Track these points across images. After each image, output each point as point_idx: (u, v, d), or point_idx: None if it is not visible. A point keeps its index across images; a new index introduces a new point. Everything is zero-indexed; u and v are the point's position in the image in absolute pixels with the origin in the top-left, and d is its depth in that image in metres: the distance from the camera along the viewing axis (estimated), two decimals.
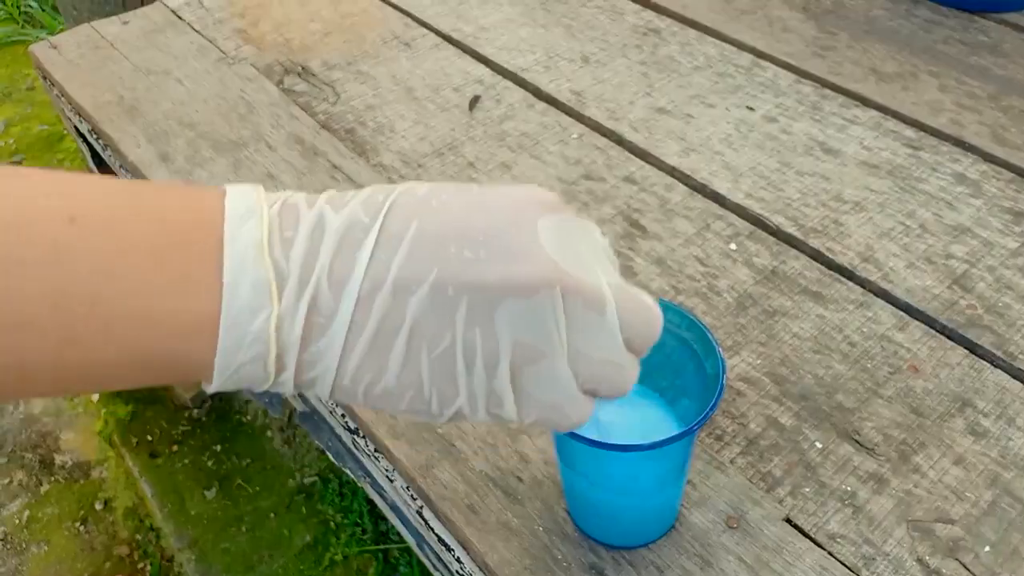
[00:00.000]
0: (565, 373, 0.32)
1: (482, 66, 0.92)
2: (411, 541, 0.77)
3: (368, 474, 0.74)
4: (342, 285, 0.30)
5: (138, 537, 1.38)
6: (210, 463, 1.39)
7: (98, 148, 0.96)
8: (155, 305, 0.29)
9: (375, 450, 0.59)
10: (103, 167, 1.10)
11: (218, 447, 1.41)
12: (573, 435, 0.40)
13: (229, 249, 0.29)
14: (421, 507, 0.56)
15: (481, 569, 0.51)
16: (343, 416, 0.61)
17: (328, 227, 0.31)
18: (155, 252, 0.29)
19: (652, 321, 0.34)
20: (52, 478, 1.50)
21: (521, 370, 0.32)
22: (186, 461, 1.39)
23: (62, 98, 0.97)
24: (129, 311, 0.29)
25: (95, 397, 1.52)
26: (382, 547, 1.25)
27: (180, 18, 1.03)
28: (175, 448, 1.42)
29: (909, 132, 0.78)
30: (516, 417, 0.33)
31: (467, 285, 0.30)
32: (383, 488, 0.69)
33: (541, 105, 0.86)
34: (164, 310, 0.29)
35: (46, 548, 1.41)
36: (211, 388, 0.31)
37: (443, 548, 0.55)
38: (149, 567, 1.34)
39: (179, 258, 0.29)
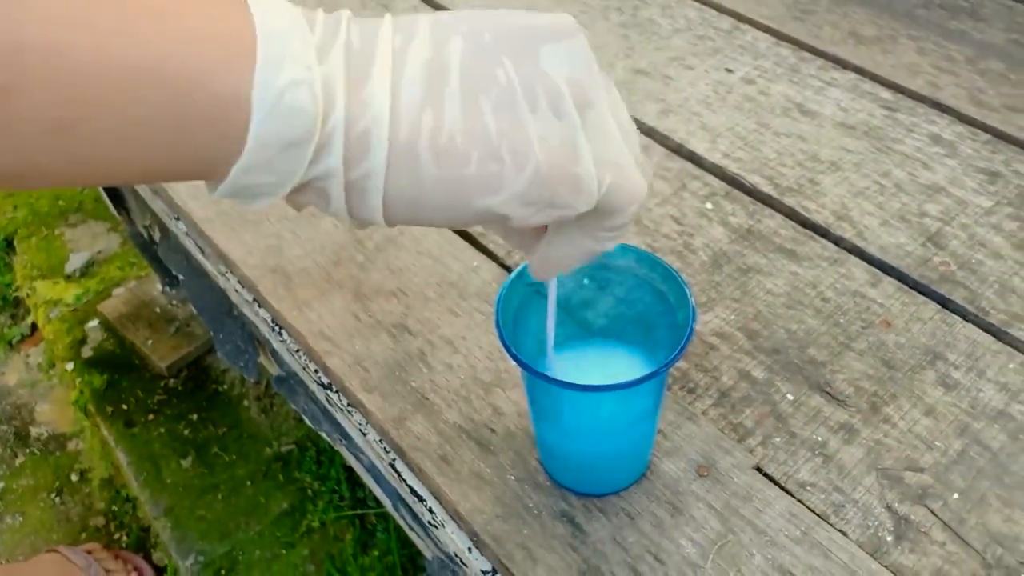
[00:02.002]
0: (615, 128, 0.31)
1: None
2: (387, 503, 0.77)
3: (344, 435, 0.74)
4: (373, 38, 0.29)
5: (114, 508, 1.37)
6: (186, 432, 1.38)
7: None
8: (189, 24, 0.27)
9: (348, 404, 0.58)
10: None
11: (194, 416, 1.40)
12: (543, 376, 0.40)
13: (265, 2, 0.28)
14: (394, 460, 0.56)
15: (453, 518, 0.51)
16: (316, 372, 0.61)
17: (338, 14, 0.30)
18: None
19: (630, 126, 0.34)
20: (27, 450, 1.49)
21: (584, 115, 0.30)
22: (162, 430, 1.38)
23: None
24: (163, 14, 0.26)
25: (70, 366, 1.51)
26: (359, 512, 1.25)
27: None
28: (151, 417, 1.41)
29: (886, 94, 0.78)
30: (595, 178, 0.30)
31: (503, 28, 0.29)
32: (359, 449, 0.69)
33: None
34: (192, 21, 0.27)
35: (21, 520, 1.40)
36: (250, 135, 0.27)
37: (415, 499, 0.55)
38: (125, 537, 1.33)
39: None
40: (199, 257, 0.76)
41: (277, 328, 0.63)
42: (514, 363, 0.41)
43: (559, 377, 0.40)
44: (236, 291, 0.68)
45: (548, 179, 0.29)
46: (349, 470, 1.28)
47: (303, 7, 0.29)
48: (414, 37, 0.29)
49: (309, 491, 1.29)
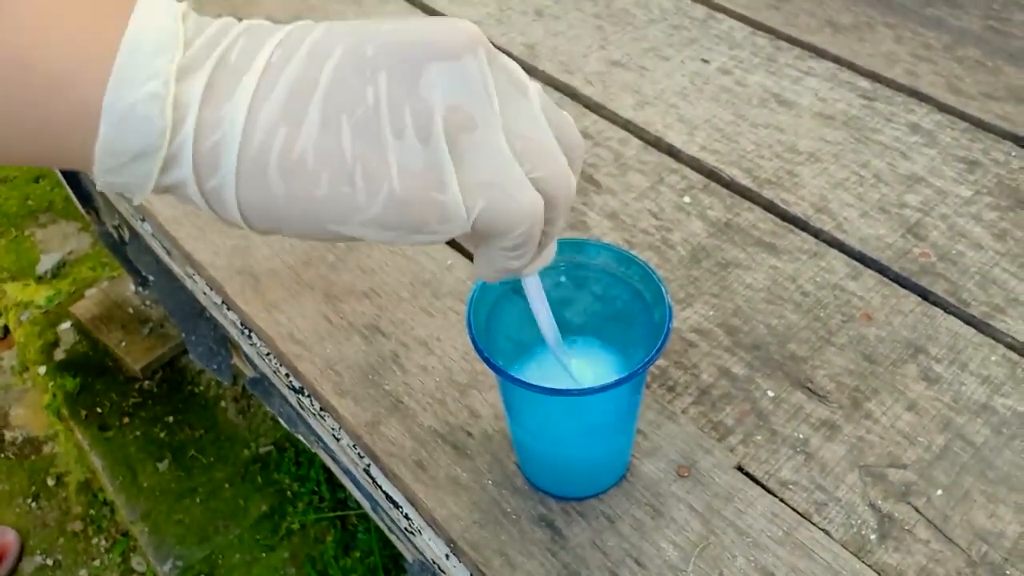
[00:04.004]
0: (504, 146, 0.30)
1: None
2: (366, 505, 0.75)
3: (320, 439, 0.72)
4: (254, 52, 0.28)
5: (92, 512, 1.35)
6: (162, 435, 1.36)
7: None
8: (62, 27, 0.27)
9: (321, 409, 0.57)
10: None
11: (170, 418, 1.38)
12: (517, 381, 0.38)
13: (142, 16, 0.28)
14: (368, 465, 0.54)
15: (430, 525, 0.50)
16: (287, 376, 0.59)
17: (244, 22, 0.30)
18: None
19: (569, 122, 0.33)
20: (2, 455, 1.47)
21: (457, 139, 0.29)
22: (137, 433, 1.36)
23: None
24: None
25: (42, 370, 1.48)
26: (339, 514, 1.23)
27: None
28: (126, 420, 1.39)
29: (864, 83, 0.78)
30: (462, 205, 0.29)
31: (388, 44, 0.28)
32: (335, 452, 0.68)
33: None
34: (69, 33, 0.27)
35: None
36: (98, 144, 0.28)
37: (391, 505, 0.53)
38: (104, 542, 1.31)
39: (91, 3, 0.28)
40: (166, 259, 0.74)
41: (246, 331, 0.62)
42: (487, 366, 0.39)
43: (537, 378, 0.39)
44: (204, 293, 0.67)
45: (406, 206, 0.29)
46: (328, 471, 1.27)
47: (203, 17, 0.30)
48: (296, 51, 0.29)
49: (288, 493, 1.27)
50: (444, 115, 0.28)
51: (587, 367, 0.47)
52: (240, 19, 0.30)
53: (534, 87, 0.31)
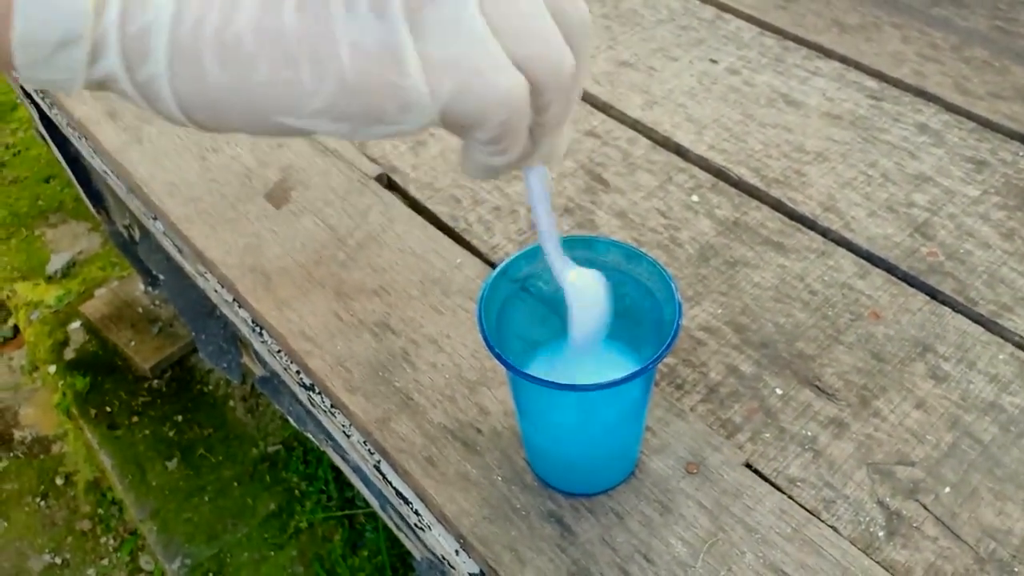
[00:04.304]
0: (477, 19, 0.26)
1: None
2: (375, 504, 0.76)
3: (329, 436, 0.73)
4: None
5: (100, 511, 1.36)
6: (171, 433, 1.37)
7: (45, 107, 0.92)
8: None
9: (331, 406, 0.57)
10: (51, 128, 1.07)
11: (179, 417, 1.39)
12: (528, 376, 0.39)
13: None
14: (379, 461, 0.55)
15: (439, 520, 0.50)
16: (298, 373, 0.59)
17: None
18: None
19: (579, 6, 0.29)
20: (11, 454, 1.47)
21: (420, 11, 0.25)
22: (146, 432, 1.37)
23: None
24: None
25: (52, 369, 1.49)
26: (347, 512, 1.24)
27: None
28: (135, 419, 1.39)
29: (871, 83, 0.78)
30: (424, 89, 0.26)
31: None
32: (345, 451, 0.68)
33: None
34: None
35: (6, 524, 1.38)
36: (14, 33, 0.25)
37: (401, 501, 0.54)
38: (112, 541, 1.32)
39: None
40: (177, 257, 0.75)
41: (257, 328, 0.62)
42: (498, 362, 0.40)
43: (546, 375, 0.39)
44: (216, 291, 0.67)
45: (359, 91, 0.25)
46: (337, 470, 1.27)
47: None
48: None
49: (296, 492, 1.28)
50: None
51: (596, 364, 0.47)
52: None
53: None
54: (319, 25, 0.25)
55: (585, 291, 0.40)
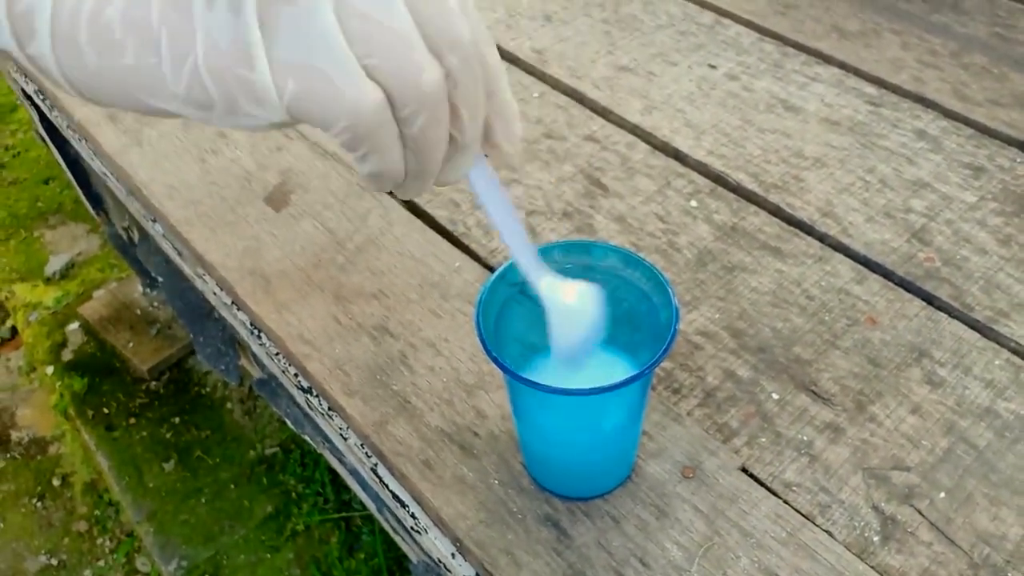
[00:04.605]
0: (330, 25, 0.26)
1: None
2: (371, 506, 0.76)
3: (326, 439, 0.73)
4: None
5: (97, 512, 1.36)
6: (168, 435, 1.37)
7: (45, 109, 0.93)
8: None
9: (329, 409, 0.57)
10: (51, 130, 1.07)
11: (176, 419, 1.39)
12: (525, 380, 0.39)
13: None
14: (375, 465, 0.55)
15: (436, 524, 0.50)
16: (296, 376, 0.60)
17: None
18: None
19: (446, 7, 0.28)
20: (8, 455, 1.47)
21: (276, 12, 0.26)
22: (144, 434, 1.37)
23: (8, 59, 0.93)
24: None
25: (50, 370, 1.49)
26: (344, 515, 1.24)
27: None
28: (132, 421, 1.39)
29: (870, 89, 0.78)
30: (271, 86, 0.27)
31: None
32: (342, 453, 0.68)
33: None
34: None
35: (2, 525, 1.38)
36: None
37: (398, 504, 0.54)
38: (109, 542, 1.32)
39: None
40: (176, 259, 0.75)
41: (256, 331, 0.62)
42: (495, 366, 0.40)
43: (546, 379, 0.39)
44: (214, 293, 0.67)
45: (213, 81, 0.27)
46: (334, 472, 1.27)
47: None
48: None
49: (293, 494, 1.28)
50: None
51: (594, 368, 0.47)
52: None
53: None
54: (180, 17, 0.26)
55: (561, 301, 0.39)
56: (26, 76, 0.90)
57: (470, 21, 0.29)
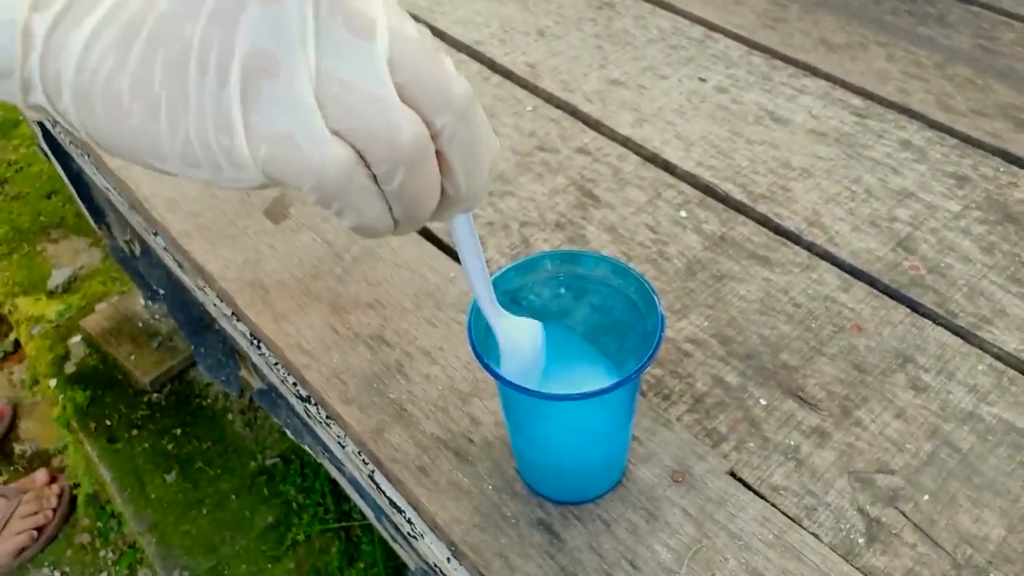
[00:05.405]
0: (305, 97, 0.28)
1: (437, 39, 0.92)
2: (370, 515, 0.77)
3: (325, 448, 0.74)
4: None
5: (99, 524, 1.37)
6: (170, 446, 1.37)
7: (48, 125, 0.94)
8: None
9: (327, 417, 0.59)
10: (54, 146, 1.08)
11: (178, 430, 1.40)
12: (516, 386, 0.40)
13: None
14: (372, 471, 0.56)
15: (431, 528, 0.51)
16: (295, 385, 0.61)
17: None
18: None
19: (439, 69, 0.30)
20: (11, 467, 1.48)
21: (257, 84, 0.28)
22: (146, 445, 1.38)
23: None
24: None
25: (52, 383, 1.50)
26: (344, 525, 1.25)
27: None
28: (134, 432, 1.40)
29: (856, 101, 0.80)
30: (246, 152, 0.29)
31: None
32: (341, 462, 0.69)
33: (496, 78, 0.86)
34: None
35: None
36: None
37: (394, 510, 0.55)
38: (111, 554, 1.33)
39: None
40: (177, 272, 0.76)
41: (256, 341, 0.63)
42: (487, 373, 0.41)
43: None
44: (215, 305, 0.69)
45: (199, 145, 0.29)
46: (334, 483, 1.28)
47: None
48: None
49: (294, 504, 1.29)
50: (245, 58, 0.28)
51: (585, 374, 0.48)
52: None
53: (384, 29, 0.29)
54: (178, 85, 0.29)
55: (514, 338, 0.43)
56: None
57: (462, 81, 0.31)
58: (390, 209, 0.32)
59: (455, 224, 0.37)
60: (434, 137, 0.31)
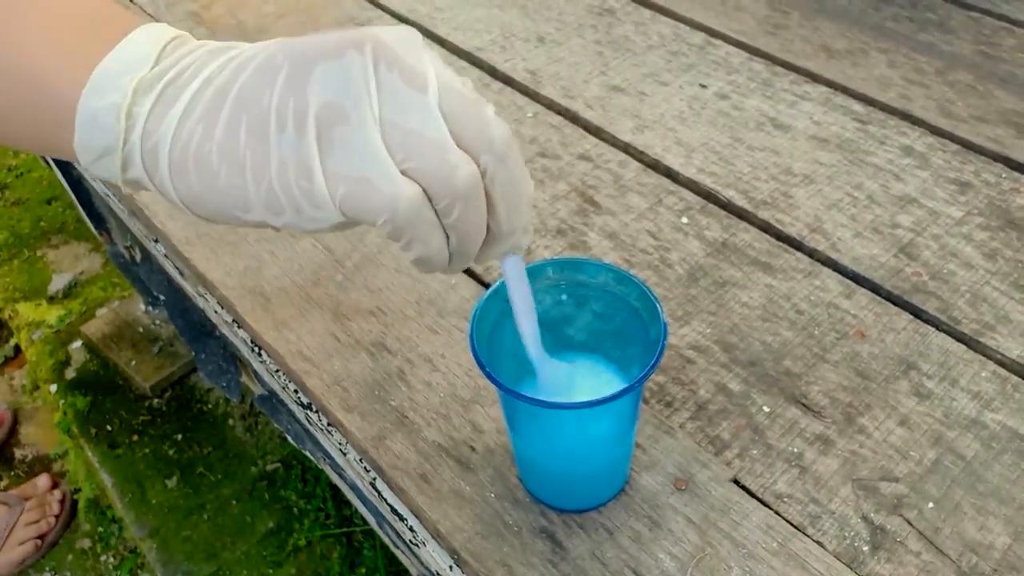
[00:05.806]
0: (374, 140, 0.32)
1: (438, 47, 0.92)
2: (372, 521, 0.77)
3: (327, 454, 0.74)
4: (203, 68, 0.34)
5: (100, 529, 1.36)
6: (171, 452, 1.37)
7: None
8: (63, 46, 0.34)
9: (328, 424, 0.58)
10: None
11: (179, 436, 1.40)
12: (518, 395, 0.40)
13: (127, 43, 0.34)
14: (374, 479, 0.56)
15: (434, 537, 0.51)
16: (296, 392, 0.61)
17: (213, 44, 0.35)
18: (76, 21, 0.35)
19: (482, 116, 0.34)
20: (12, 472, 1.48)
21: (329, 132, 0.32)
22: (146, 451, 1.38)
23: None
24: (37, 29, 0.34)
25: (53, 388, 1.50)
26: (345, 530, 1.24)
27: (132, 1, 1.01)
28: (135, 438, 1.40)
29: (858, 107, 0.80)
30: (326, 192, 0.32)
31: (295, 50, 0.32)
32: (342, 468, 0.69)
33: (497, 85, 0.86)
34: (67, 51, 0.34)
35: None
36: (75, 141, 0.34)
37: (396, 518, 0.55)
38: (112, 559, 1.32)
39: (93, 30, 0.35)
40: (178, 279, 0.76)
41: (256, 348, 0.63)
42: (489, 380, 0.41)
43: (537, 394, 0.40)
44: (215, 312, 0.68)
45: (282, 193, 0.32)
46: (335, 488, 1.28)
47: (188, 42, 0.35)
48: (231, 64, 0.33)
49: (295, 510, 1.28)
50: (318, 110, 0.31)
51: (588, 383, 0.48)
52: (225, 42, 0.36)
53: (434, 81, 0.33)
54: (260, 143, 0.32)
55: (553, 383, 0.45)
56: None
57: (502, 125, 0.34)
58: (447, 242, 0.35)
59: (505, 266, 0.40)
60: None
